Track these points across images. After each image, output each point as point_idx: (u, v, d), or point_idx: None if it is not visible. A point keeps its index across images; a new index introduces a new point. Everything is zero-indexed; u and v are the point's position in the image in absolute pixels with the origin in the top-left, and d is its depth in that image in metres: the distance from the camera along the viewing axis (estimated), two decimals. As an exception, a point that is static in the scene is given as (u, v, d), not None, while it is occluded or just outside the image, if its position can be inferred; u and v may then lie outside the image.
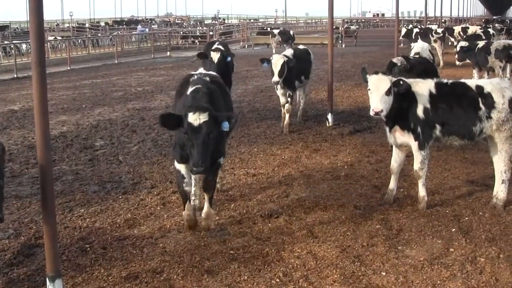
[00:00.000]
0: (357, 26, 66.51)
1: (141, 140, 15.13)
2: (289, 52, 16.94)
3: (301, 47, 18.73)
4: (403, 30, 39.55)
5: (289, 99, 15.93)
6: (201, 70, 10.21)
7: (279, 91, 16.01)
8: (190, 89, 8.57)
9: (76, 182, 11.60)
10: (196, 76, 9.20)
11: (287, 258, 7.90)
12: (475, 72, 22.63)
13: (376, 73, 9.52)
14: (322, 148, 13.64)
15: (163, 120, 7.95)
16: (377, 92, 9.28)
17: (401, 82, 9.41)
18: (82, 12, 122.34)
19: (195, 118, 7.63)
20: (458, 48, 23.17)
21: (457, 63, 23.71)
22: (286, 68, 15.17)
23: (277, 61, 15.11)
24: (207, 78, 9.18)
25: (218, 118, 7.81)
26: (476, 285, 7.23)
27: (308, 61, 17.49)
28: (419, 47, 18.80)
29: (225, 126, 7.85)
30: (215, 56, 15.37)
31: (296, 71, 16.13)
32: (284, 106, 16.01)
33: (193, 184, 8.92)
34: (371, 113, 9.31)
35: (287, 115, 15.99)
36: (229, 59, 15.75)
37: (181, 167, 8.61)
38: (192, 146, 7.66)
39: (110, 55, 42.47)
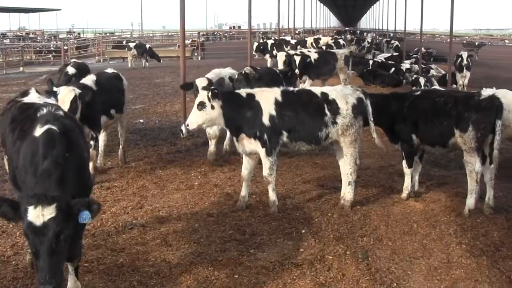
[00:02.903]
0: (203, 39, 66.46)
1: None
2: (90, 79, 12.79)
3: (110, 71, 14.51)
4: (255, 45, 40.10)
5: (92, 142, 12.16)
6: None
7: None
8: (37, 133, 6.32)
9: None
10: (44, 109, 6.83)
11: (142, 267, 7.95)
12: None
13: (203, 88, 10.12)
14: (177, 159, 13.75)
15: None
16: (194, 107, 9.87)
17: (215, 91, 9.83)
18: None
19: (37, 215, 5.39)
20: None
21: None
22: (80, 103, 11.28)
23: (66, 96, 11.09)
24: (60, 112, 6.94)
25: (72, 208, 5.60)
26: (324, 281, 7.61)
27: (118, 90, 13.69)
28: (214, 72, 14.53)
29: (85, 217, 5.63)
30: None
31: (102, 104, 12.47)
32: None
33: None
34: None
35: (90, 163, 10.93)
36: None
37: None
38: (36, 254, 5.44)
39: (-41, 72, 40.60)
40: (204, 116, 9.75)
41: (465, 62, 26.86)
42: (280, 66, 22.35)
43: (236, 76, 14.74)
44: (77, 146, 6.53)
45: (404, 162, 10.97)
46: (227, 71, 14.99)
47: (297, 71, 21.19)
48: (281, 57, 22.84)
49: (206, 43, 61.55)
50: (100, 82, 12.74)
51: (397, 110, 10.71)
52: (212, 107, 9.70)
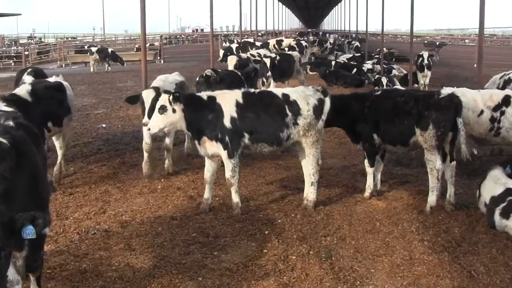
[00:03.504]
0: (159, 43, 65.78)
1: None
2: (24, 89, 11.64)
3: (53, 79, 12.95)
4: (221, 52, 39.78)
5: None
6: None
7: None
8: None
9: None
10: None
11: (105, 272, 7.91)
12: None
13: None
14: (139, 163, 13.68)
15: None
16: (155, 111, 9.83)
17: (176, 95, 9.82)
18: None
19: None
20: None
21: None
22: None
23: None
24: (10, 123, 6.41)
25: (15, 223, 5.03)
26: (287, 282, 7.65)
27: (57, 101, 12.16)
28: (160, 79, 13.60)
29: (28, 232, 5.05)
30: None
31: (40, 117, 11.09)
32: None
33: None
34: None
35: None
36: None
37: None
38: None
39: None
40: (165, 120, 9.72)
41: (426, 61, 27.14)
42: (230, 69, 22.35)
43: (179, 82, 14.17)
44: (29, 159, 6.11)
45: (366, 161, 11.07)
46: (173, 78, 14.09)
47: (269, 73, 21.32)
48: (232, 60, 22.76)
49: (169, 47, 61.18)
50: (35, 93, 11.55)
51: (358, 110, 10.80)
52: (174, 111, 9.67)
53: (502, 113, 11.20)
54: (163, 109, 9.66)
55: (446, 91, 10.58)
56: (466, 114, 11.22)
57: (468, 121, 11.32)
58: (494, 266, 8.10)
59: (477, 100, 11.41)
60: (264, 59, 22.22)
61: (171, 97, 9.67)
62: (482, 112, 11.32)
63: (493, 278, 7.75)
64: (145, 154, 12.67)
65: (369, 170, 11.03)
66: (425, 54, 27.82)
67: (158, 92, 10.85)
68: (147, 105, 10.94)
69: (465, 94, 11.50)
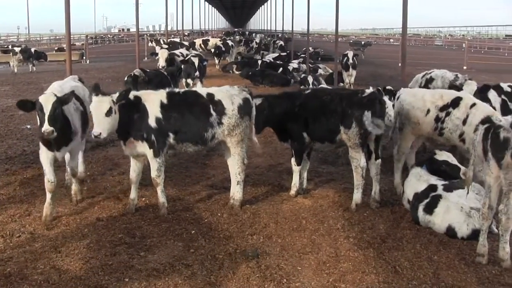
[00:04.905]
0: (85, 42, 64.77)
1: None
2: None
3: None
4: (162, 59, 39.27)
5: None
6: None
7: None
8: None
9: None
10: None
11: (31, 275, 7.77)
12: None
13: (97, 95, 9.53)
14: (65, 164, 13.48)
15: None
16: (97, 115, 9.40)
17: (125, 94, 9.69)
18: None
19: None
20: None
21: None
22: None
23: None
24: None
25: None
26: (215, 281, 7.69)
27: None
28: (59, 85, 11.22)
29: None
30: None
31: None
32: None
33: None
34: (92, 135, 9.42)
35: None
36: None
37: None
38: None
39: None
40: (112, 122, 9.50)
41: (351, 61, 27.55)
42: (162, 63, 22.22)
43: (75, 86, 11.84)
44: None
45: (293, 159, 11.15)
46: (70, 84, 11.55)
47: (197, 73, 21.20)
48: (163, 54, 22.63)
49: (95, 46, 60.43)
50: None
51: (289, 109, 10.87)
52: (115, 112, 9.52)
53: (448, 114, 11.05)
54: (110, 111, 9.41)
55: (369, 90, 10.69)
56: (414, 114, 11.30)
57: (417, 120, 11.32)
58: (418, 261, 8.31)
59: (426, 99, 11.37)
60: (192, 58, 22.07)
61: (114, 97, 9.53)
62: (428, 111, 11.25)
63: (417, 273, 7.94)
64: (48, 195, 10.07)
65: (296, 168, 11.12)
66: (350, 54, 28.23)
67: (58, 98, 9.52)
68: (47, 112, 9.29)
69: (415, 94, 11.67)
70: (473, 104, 10.84)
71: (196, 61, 21.65)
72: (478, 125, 9.78)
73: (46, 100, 9.39)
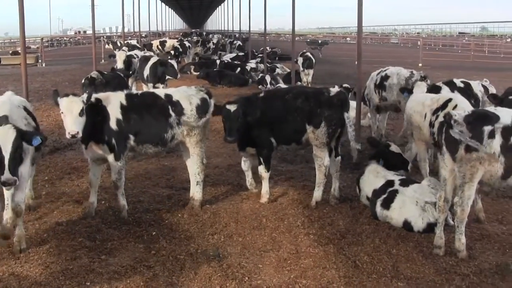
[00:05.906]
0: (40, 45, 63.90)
1: None
2: None
3: None
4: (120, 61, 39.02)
5: None
6: None
7: None
8: None
9: None
10: None
11: (-12, 283, 7.69)
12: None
13: (67, 95, 9.40)
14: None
15: None
16: (71, 115, 9.21)
17: (91, 95, 9.59)
18: None
19: None
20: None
21: None
22: None
23: None
24: None
25: None
26: (177, 281, 7.73)
27: None
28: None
29: None
30: None
31: None
32: None
33: None
34: (68, 136, 9.21)
35: None
36: None
37: None
38: None
39: None
40: (83, 123, 9.32)
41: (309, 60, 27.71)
42: (120, 65, 22.08)
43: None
44: None
45: (262, 167, 10.85)
46: (16, 101, 9.56)
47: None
48: (121, 55, 22.50)
49: (51, 49, 59.73)
50: None
51: (252, 115, 10.56)
52: (84, 113, 9.38)
53: (437, 117, 10.22)
54: (82, 111, 9.24)
55: (335, 89, 10.68)
56: (415, 118, 11.03)
57: (417, 124, 11.00)
58: (377, 255, 8.45)
59: (425, 104, 10.87)
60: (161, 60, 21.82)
61: (85, 98, 9.38)
62: (425, 116, 10.75)
63: (377, 267, 8.08)
64: (18, 220, 8.74)
65: (266, 175, 10.85)
66: (307, 53, 28.43)
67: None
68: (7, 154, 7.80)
69: (415, 98, 11.45)
70: (455, 106, 10.23)
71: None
72: None
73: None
